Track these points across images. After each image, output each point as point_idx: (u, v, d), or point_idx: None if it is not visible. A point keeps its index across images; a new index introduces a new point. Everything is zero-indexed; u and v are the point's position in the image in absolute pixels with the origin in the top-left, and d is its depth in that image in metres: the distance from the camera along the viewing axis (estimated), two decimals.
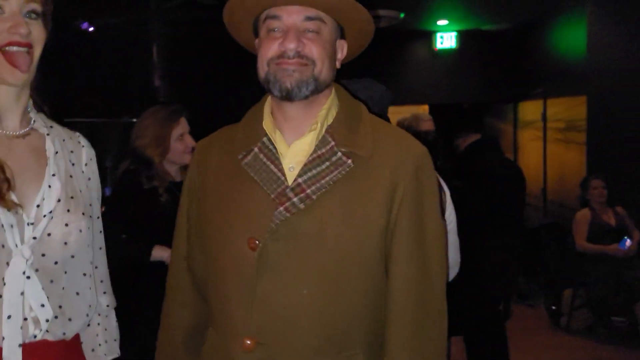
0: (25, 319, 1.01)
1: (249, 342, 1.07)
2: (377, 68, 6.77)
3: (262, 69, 1.11)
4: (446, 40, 6.61)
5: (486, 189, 3.09)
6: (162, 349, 1.26)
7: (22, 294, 0.99)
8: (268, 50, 1.09)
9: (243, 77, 6.56)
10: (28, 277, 1.00)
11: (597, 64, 5.17)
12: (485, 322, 3.18)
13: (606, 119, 5.16)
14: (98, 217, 1.20)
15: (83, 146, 1.20)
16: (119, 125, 5.87)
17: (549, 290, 5.02)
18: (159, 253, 2.17)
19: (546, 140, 6.05)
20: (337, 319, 1.07)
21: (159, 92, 6.27)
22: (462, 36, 6.60)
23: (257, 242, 1.07)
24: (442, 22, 6.29)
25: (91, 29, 6.09)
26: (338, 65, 1.17)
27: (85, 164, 1.19)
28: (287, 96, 1.09)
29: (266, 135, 1.14)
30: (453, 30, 6.58)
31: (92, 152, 1.22)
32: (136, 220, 2.19)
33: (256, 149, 1.13)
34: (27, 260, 0.99)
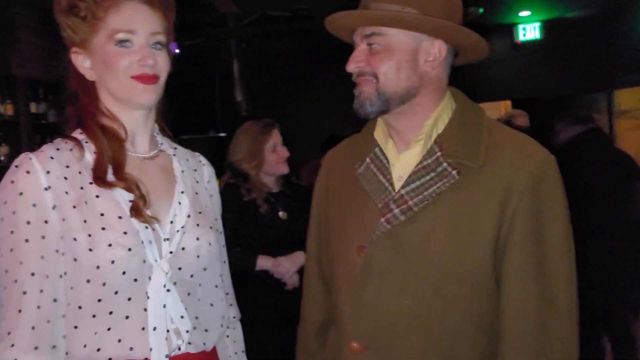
0: (168, 331, 1.04)
1: (356, 345, 1.09)
2: (456, 66, 6.61)
3: None
4: (529, 31, 6.32)
5: (583, 190, 2.88)
6: (300, 339, 1.34)
7: (164, 306, 1.04)
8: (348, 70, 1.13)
9: (321, 85, 6.64)
10: (168, 290, 1.05)
11: None
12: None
13: None
14: (221, 232, 1.26)
15: (204, 164, 1.25)
16: (205, 141, 6.11)
17: None
18: (263, 262, 2.30)
19: None
20: (440, 333, 1.05)
21: (241, 107, 6.49)
22: (546, 26, 6.29)
23: (365, 250, 1.09)
24: (524, 13, 6.03)
25: (176, 50, 6.42)
26: (429, 68, 1.10)
27: (208, 182, 1.24)
28: (361, 113, 1.12)
29: (378, 145, 1.16)
30: (536, 21, 6.29)
31: (212, 170, 1.27)
32: (239, 231, 2.29)
33: (368, 160, 1.15)
34: (166, 274, 1.04)
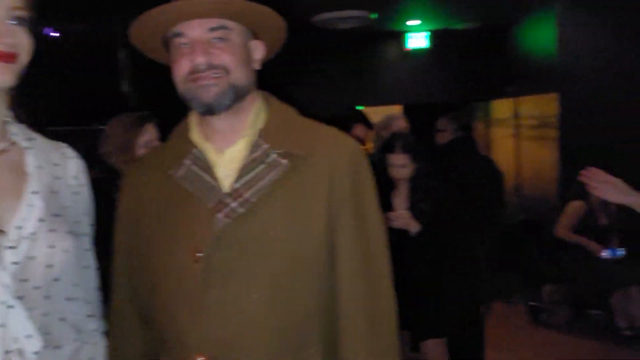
0: (8, 352, 0.92)
1: (201, 359, 1.04)
2: (349, 69, 6.79)
3: (180, 86, 1.10)
4: (418, 40, 6.62)
5: (461, 189, 3.09)
6: None
7: (4, 326, 0.92)
8: (180, 68, 1.08)
9: None
10: (10, 307, 0.92)
11: (567, 61, 5.24)
12: (467, 322, 3.16)
13: (578, 116, 5.22)
14: (86, 234, 1.15)
15: (70, 158, 1.15)
16: (86, 133, 5.70)
17: (527, 287, 5.05)
18: None
19: (519, 137, 6.11)
20: (291, 320, 1.07)
21: (128, 99, 6.14)
22: (434, 36, 6.62)
23: (199, 253, 1.05)
24: (413, 22, 6.29)
25: (55, 34, 5.93)
26: (257, 66, 1.16)
27: (75, 177, 1.13)
28: (209, 111, 1.09)
29: (195, 147, 1.14)
30: (424, 30, 6.59)
31: (81, 164, 1.17)
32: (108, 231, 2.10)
33: (187, 162, 1.12)
34: (7, 287, 0.92)
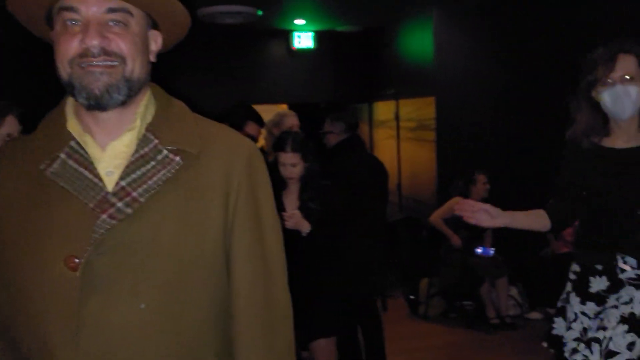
0: None
1: None
2: (235, 65, 6.67)
3: (64, 70, 0.96)
4: (303, 39, 6.66)
5: (350, 188, 3.14)
6: None
7: None
8: (68, 49, 0.94)
9: None
10: None
11: (443, 66, 5.54)
12: (360, 319, 3.23)
13: (453, 119, 5.55)
14: None
15: None
16: None
17: (406, 282, 5.28)
18: None
19: (399, 138, 6.36)
20: (183, 329, 0.98)
21: None
22: (319, 36, 6.71)
23: (77, 260, 0.92)
24: (299, 22, 6.31)
25: None
26: (152, 58, 1.06)
27: None
28: (97, 105, 0.96)
29: (73, 139, 1.00)
30: (310, 30, 6.65)
31: None
32: None
33: (63, 155, 0.98)
34: None
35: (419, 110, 5.96)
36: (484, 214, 1.86)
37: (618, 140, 1.94)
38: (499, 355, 4.09)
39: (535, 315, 4.76)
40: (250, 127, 2.66)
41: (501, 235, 4.94)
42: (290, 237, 2.60)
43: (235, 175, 1.02)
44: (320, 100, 6.84)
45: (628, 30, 4.54)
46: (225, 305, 1.03)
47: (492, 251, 4.70)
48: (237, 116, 2.65)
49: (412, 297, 5.03)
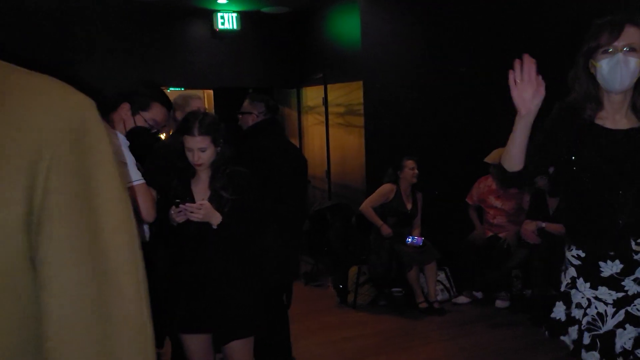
0: None
1: None
2: (154, 46, 6.28)
3: None
4: (227, 21, 6.35)
5: (266, 175, 2.94)
6: None
7: None
8: None
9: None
10: None
11: (370, 50, 5.43)
12: (272, 315, 3.05)
13: (380, 104, 5.46)
14: None
15: None
16: None
17: (335, 270, 5.17)
18: None
19: (328, 124, 6.22)
20: None
21: None
22: (243, 17, 6.42)
23: None
24: (222, 1, 6.01)
25: None
26: None
27: None
28: None
29: None
30: (233, 11, 6.36)
31: None
32: None
33: None
34: None
35: (347, 95, 5.84)
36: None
37: (608, 120, 1.87)
38: (428, 341, 4.06)
39: (462, 299, 4.78)
40: (156, 110, 2.40)
41: (429, 220, 4.92)
42: (200, 230, 2.37)
43: (50, 145, 0.72)
44: (247, 85, 6.57)
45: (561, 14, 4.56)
46: (37, 336, 0.73)
47: (421, 241, 4.67)
48: (141, 97, 2.38)
49: (341, 286, 4.93)
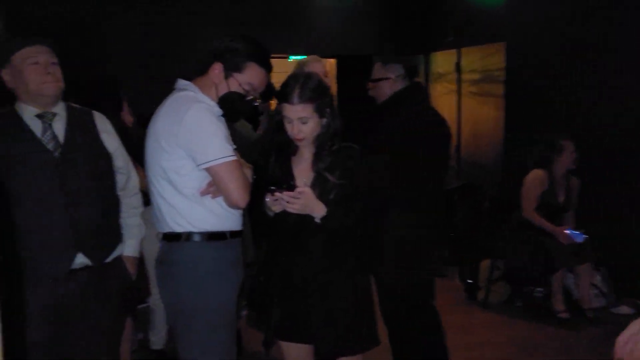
0: None
1: None
2: (277, 16, 5.94)
3: None
4: None
5: (408, 155, 2.42)
6: None
7: None
8: None
9: (107, 24, 5.46)
10: None
11: (516, 6, 4.64)
12: (414, 309, 2.59)
13: (526, 69, 4.65)
14: None
15: None
16: None
17: (463, 261, 4.54)
18: None
19: (460, 94, 5.55)
20: None
21: None
22: None
23: None
24: None
25: None
26: None
27: None
28: None
29: None
30: None
31: None
32: None
33: None
34: None
35: (485, 59, 5.17)
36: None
37: None
38: (573, 357, 3.33)
39: (624, 309, 3.91)
40: (252, 72, 1.95)
41: (586, 210, 4.05)
42: (299, 222, 1.86)
43: None
44: (370, 52, 6.03)
45: None
46: None
47: (582, 236, 3.78)
48: (235, 55, 1.95)
49: (469, 280, 4.30)
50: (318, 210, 1.84)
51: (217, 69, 1.94)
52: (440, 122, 2.74)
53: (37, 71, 1.90)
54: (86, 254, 1.95)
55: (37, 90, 1.92)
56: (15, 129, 1.92)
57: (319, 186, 1.89)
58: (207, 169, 1.79)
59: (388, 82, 2.66)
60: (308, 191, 1.82)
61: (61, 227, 1.90)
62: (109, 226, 2.06)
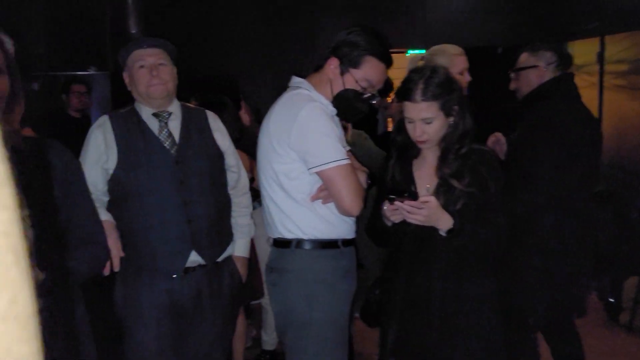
0: None
1: None
2: (401, 5, 5.73)
3: None
4: None
5: (560, 156, 2.14)
6: None
7: None
8: None
9: (225, 23, 5.61)
10: None
11: None
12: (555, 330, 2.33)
13: None
14: None
15: None
16: (87, 78, 5.03)
17: (603, 277, 4.03)
18: None
19: (603, 87, 4.99)
20: None
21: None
22: None
23: None
24: None
25: None
26: None
27: None
28: None
29: None
30: None
31: None
32: None
33: None
34: None
35: (634, 48, 4.56)
36: None
37: None
38: None
39: None
40: (370, 67, 1.77)
41: None
42: (421, 235, 1.66)
43: None
44: (496, 44, 5.60)
45: None
46: None
47: None
48: (352, 49, 1.79)
49: (611, 299, 3.81)
50: (443, 223, 1.62)
51: (332, 64, 1.80)
52: (594, 121, 2.38)
53: (143, 74, 1.93)
54: (199, 252, 1.94)
55: (146, 92, 1.95)
56: (135, 127, 1.95)
57: (444, 194, 1.67)
58: (319, 173, 1.66)
59: (536, 70, 2.34)
60: (433, 201, 1.61)
61: (178, 223, 1.90)
62: (221, 225, 2.04)
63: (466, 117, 1.70)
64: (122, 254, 1.85)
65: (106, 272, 1.79)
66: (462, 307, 1.70)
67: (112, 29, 5.62)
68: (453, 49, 2.45)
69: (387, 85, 3.02)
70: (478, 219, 1.64)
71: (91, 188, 1.85)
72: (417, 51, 5.76)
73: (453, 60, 2.37)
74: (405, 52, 5.83)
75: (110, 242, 1.77)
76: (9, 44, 1.31)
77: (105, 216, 1.86)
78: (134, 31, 5.41)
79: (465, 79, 2.36)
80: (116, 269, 1.83)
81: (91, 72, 5.12)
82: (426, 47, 5.76)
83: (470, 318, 1.70)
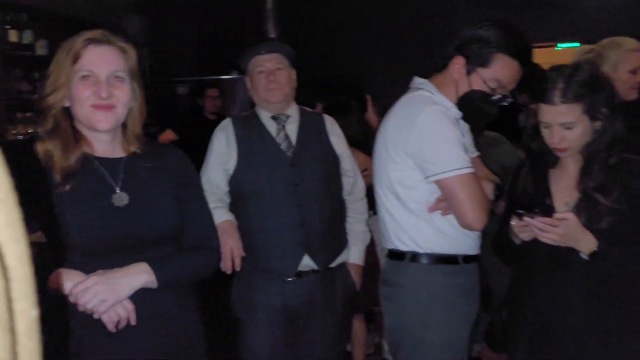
0: None
1: None
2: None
3: None
4: None
5: None
6: None
7: None
8: None
9: (360, 24, 5.56)
10: None
11: None
12: None
13: None
14: None
15: None
16: (227, 82, 5.30)
17: None
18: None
19: None
20: None
21: None
22: None
23: None
24: None
25: None
26: None
27: None
28: None
29: None
30: None
31: None
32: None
33: None
34: None
35: None
36: None
37: None
38: None
39: None
40: (500, 65, 1.57)
41: None
42: (557, 256, 1.45)
43: None
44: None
45: None
46: None
47: None
48: (481, 46, 1.61)
49: None
50: (585, 244, 1.40)
51: (457, 64, 1.64)
52: None
53: (261, 79, 1.96)
54: (312, 256, 1.91)
55: (264, 97, 1.97)
56: (254, 129, 1.99)
57: (586, 211, 1.44)
58: (437, 182, 1.53)
59: None
60: (572, 218, 1.39)
61: (292, 226, 1.90)
62: (335, 230, 2.01)
63: (617, 121, 1.45)
64: (243, 254, 1.88)
65: (228, 271, 1.84)
66: (603, 344, 1.45)
67: (251, 33, 5.89)
68: (630, 43, 2.14)
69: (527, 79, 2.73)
70: (628, 241, 1.39)
71: (214, 189, 1.92)
72: (569, 45, 5.25)
73: (626, 56, 2.08)
74: (555, 46, 5.36)
75: (231, 242, 1.83)
76: (132, 52, 1.35)
77: (227, 216, 1.91)
78: (272, 35, 5.62)
79: (637, 78, 2.06)
80: (237, 268, 1.87)
81: (233, 76, 5.39)
82: (580, 41, 5.25)
83: (611, 356, 1.45)
